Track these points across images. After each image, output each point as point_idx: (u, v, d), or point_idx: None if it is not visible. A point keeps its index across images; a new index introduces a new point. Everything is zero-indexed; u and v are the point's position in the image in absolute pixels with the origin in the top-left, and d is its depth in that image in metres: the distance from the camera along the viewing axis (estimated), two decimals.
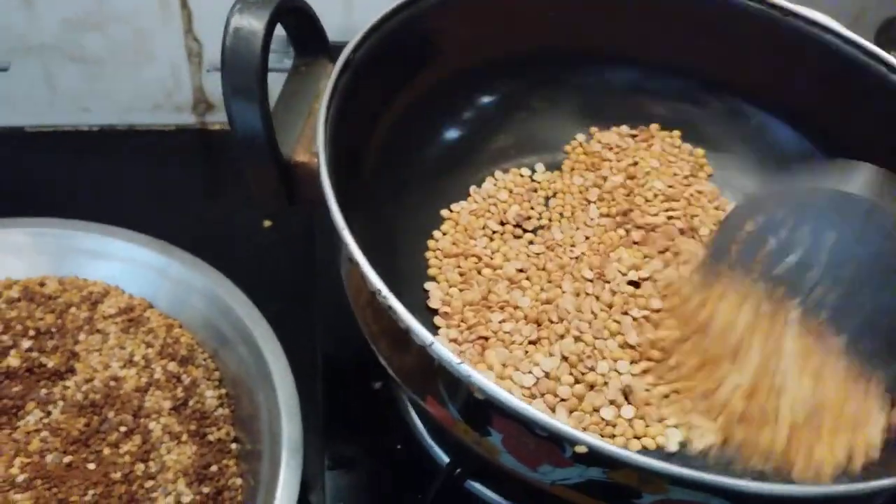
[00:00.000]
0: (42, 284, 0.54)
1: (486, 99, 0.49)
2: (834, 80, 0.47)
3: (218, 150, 0.70)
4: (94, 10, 0.61)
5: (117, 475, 0.46)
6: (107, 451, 0.47)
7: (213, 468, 0.47)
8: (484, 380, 0.29)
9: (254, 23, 0.35)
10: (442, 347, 0.29)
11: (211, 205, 0.65)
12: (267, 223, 0.62)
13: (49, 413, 0.48)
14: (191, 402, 0.50)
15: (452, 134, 0.49)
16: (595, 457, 0.28)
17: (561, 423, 0.28)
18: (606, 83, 0.50)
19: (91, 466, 0.46)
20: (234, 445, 0.49)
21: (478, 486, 0.43)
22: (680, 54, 0.49)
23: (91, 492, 0.45)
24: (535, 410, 0.28)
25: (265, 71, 0.36)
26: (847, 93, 0.47)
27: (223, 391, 0.51)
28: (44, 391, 0.49)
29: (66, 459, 0.46)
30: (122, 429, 0.48)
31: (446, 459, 0.44)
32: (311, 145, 0.39)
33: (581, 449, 0.28)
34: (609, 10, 0.48)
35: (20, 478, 0.45)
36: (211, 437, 0.49)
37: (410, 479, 0.44)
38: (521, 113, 0.50)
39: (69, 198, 0.62)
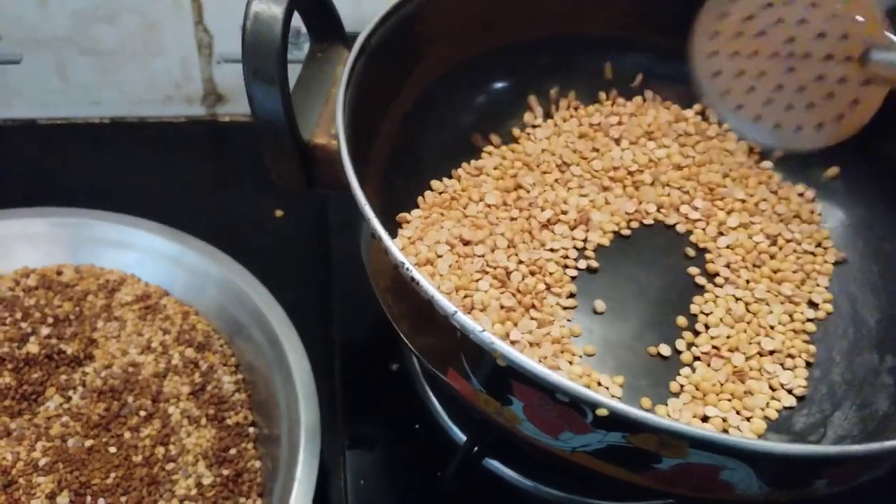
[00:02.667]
0: (59, 273, 0.55)
1: (498, 84, 0.50)
2: None
3: (228, 141, 0.70)
4: (104, 3, 0.62)
5: (138, 458, 0.47)
6: (127, 434, 0.48)
7: (232, 451, 0.48)
8: (506, 347, 0.29)
9: (273, 7, 0.36)
10: (464, 317, 0.30)
11: (222, 195, 0.65)
12: (279, 213, 0.63)
13: (69, 398, 0.49)
14: (208, 388, 0.50)
15: (466, 119, 0.49)
16: (616, 420, 0.29)
17: (582, 387, 0.28)
18: (616, 68, 0.51)
19: (112, 450, 0.47)
20: (251, 429, 0.49)
21: (495, 464, 0.44)
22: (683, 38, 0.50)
23: (113, 474, 0.46)
24: (557, 376, 0.29)
25: (285, 55, 0.37)
26: None
27: (240, 376, 0.52)
28: (63, 377, 0.50)
29: (88, 443, 0.47)
30: (142, 413, 0.48)
31: (464, 438, 0.45)
32: (330, 128, 0.40)
33: (602, 412, 0.29)
34: None
35: (42, 461, 0.46)
36: (229, 421, 0.49)
37: (429, 458, 0.44)
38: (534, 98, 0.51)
39: (82, 189, 0.63)
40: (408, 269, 0.31)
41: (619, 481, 0.33)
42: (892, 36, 0.42)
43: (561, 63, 0.50)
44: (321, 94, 0.41)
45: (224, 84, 0.68)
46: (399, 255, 0.32)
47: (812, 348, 0.44)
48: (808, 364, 0.43)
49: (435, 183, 0.47)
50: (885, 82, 0.42)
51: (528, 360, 0.29)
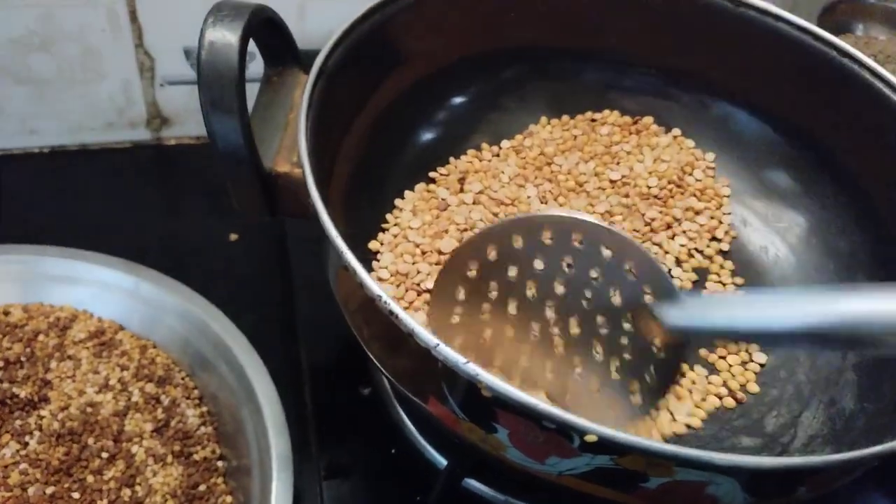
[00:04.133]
0: (6, 313, 0.53)
1: (457, 99, 0.50)
2: (788, 67, 0.49)
3: (176, 165, 0.68)
4: (39, 30, 0.60)
5: (104, 502, 0.45)
6: (90, 478, 0.46)
7: (202, 487, 0.47)
8: (492, 378, 0.29)
9: (228, 35, 0.35)
10: (448, 349, 0.30)
11: (173, 221, 0.63)
12: (233, 236, 0.62)
13: (26, 444, 0.47)
14: (172, 423, 0.49)
15: (427, 135, 0.49)
16: (604, 445, 0.29)
17: (570, 414, 0.28)
18: (576, 81, 0.51)
19: (75, 496, 0.45)
20: (220, 463, 0.48)
21: (475, 484, 0.44)
22: (647, 50, 0.50)
23: None
24: (544, 404, 0.29)
25: (243, 84, 0.36)
26: (801, 79, 0.49)
27: (204, 409, 0.50)
28: (18, 422, 0.48)
29: (49, 490, 0.45)
30: (104, 455, 0.47)
31: (441, 460, 0.44)
32: (291, 155, 0.39)
33: (591, 438, 0.29)
34: (575, 7, 0.49)
35: None
36: (196, 457, 0.48)
37: (408, 483, 0.44)
38: (493, 112, 0.51)
39: (23, 223, 0.60)
40: (385, 302, 0.31)
41: (606, 501, 0.34)
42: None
43: (519, 76, 0.50)
44: (279, 119, 0.40)
45: (168, 107, 0.66)
46: (376, 288, 0.31)
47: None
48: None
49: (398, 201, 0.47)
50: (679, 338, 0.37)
51: (515, 391, 0.29)
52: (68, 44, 0.61)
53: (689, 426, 0.41)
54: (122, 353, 0.52)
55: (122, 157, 0.67)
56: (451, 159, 0.50)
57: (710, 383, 0.44)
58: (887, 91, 0.46)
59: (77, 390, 0.50)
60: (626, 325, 0.37)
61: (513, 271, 0.37)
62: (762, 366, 0.45)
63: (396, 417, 0.46)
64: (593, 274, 0.37)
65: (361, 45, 0.42)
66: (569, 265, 0.37)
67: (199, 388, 0.51)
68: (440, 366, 0.31)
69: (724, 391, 0.44)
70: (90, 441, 0.47)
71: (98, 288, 0.54)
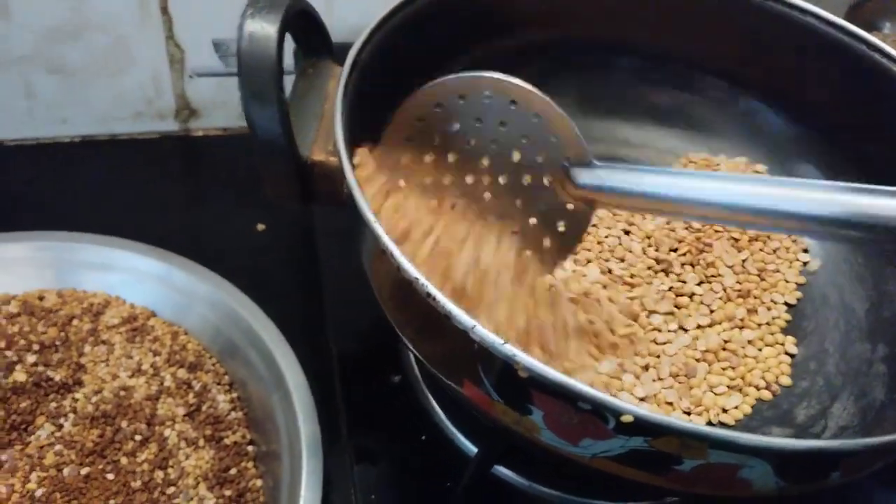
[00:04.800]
0: (41, 298, 0.54)
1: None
2: (817, 62, 0.49)
3: (203, 156, 0.69)
4: (71, 20, 0.61)
5: (137, 483, 0.46)
6: (124, 460, 0.47)
7: (233, 471, 0.47)
8: (529, 359, 0.29)
9: (267, 27, 0.36)
10: (485, 330, 0.30)
11: (201, 212, 0.64)
12: (260, 226, 0.62)
13: (61, 426, 0.48)
14: (203, 408, 0.50)
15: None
16: (639, 426, 0.29)
17: (607, 395, 0.29)
18: (606, 73, 0.52)
19: (110, 477, 0.46)
20: (250, 448, 0.49)
21: (504, 471, 0.44)
22: (678, 43, 0.51)
23: (112, 501, 0.45)
24: (581, 384, 0.29)
25: (281, 74, 0.36)
26: (828, 73, 0.49)
27: (234, 395, 0.51)
28: (53, 405, 0.49)
29: (84, 471, 0.46)
30: (138, 437, 0.48)
31: (471, 447, 0.45)
32: (326, 144, 0.40)
33: (627, 419, 0.29)
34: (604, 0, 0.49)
35: (39, 492, 0.45)
36: (227, 441, 0.49)
37: (438, 469, 0.44)
38: None
39: (54, 211, 0.61)
40: (423, 284, 0.31)
41: (636, 485, 0.34)
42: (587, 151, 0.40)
43: (548, 67, 0.50)
44: (315, 110, 0.41)
45: (197, 98, 0.67)
46: (413, 271, 0.32)
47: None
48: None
49: None
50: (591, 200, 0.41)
51: (552, 371, 0.29)
52: (99, 34, 0.61)
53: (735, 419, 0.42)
54: (154, 338, 0.53)
55: (151, 148, 0.68)
56: None
57: (750, 374, 0.44)
58: None
59: (110, 374, 0.50)
60: (546, 182, 0.41)
61: (455, 126, 0.41)
62: (792, 356, 0.45)
63: (426, 404, 0.47)
64: (522, 134, 0.40)
65: (392, 37, 0.42)
66: (502, 123, 0.40)
67: (230, 375, 0.52)
68: (476, 347, 0.31)
69: (762, 383, 0.44)
70: (123, 424, 0.48)
71: (130, 275, 0.55)
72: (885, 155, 0.47)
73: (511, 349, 0.30)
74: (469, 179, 0.41)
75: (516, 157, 0.40)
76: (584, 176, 0.40)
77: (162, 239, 0.55)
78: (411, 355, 0.48)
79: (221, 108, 0.68)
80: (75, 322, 0.53)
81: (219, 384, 0.51)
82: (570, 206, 0.41)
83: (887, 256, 0.47)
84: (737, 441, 0.29)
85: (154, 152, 0.68)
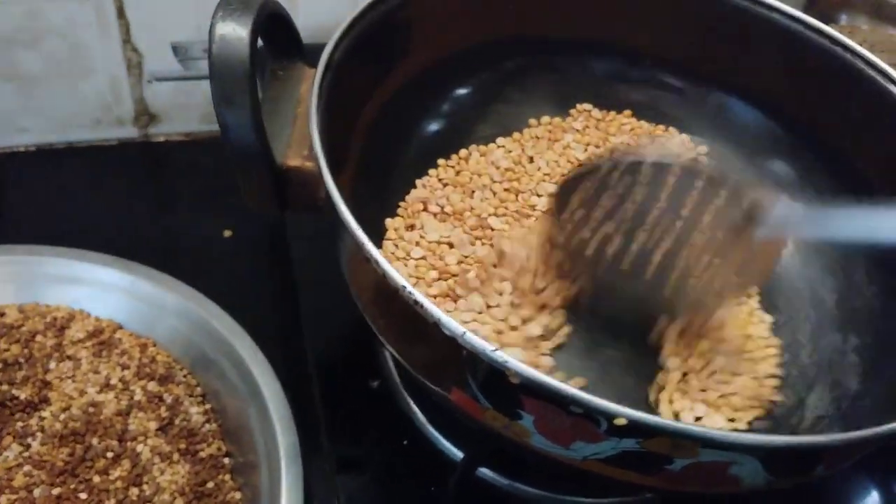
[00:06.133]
0: (1, 314, 0.52)
1: (462, 90, 0.50)
2: (781, 56, 0.50)
3: (165, 162, 0.68)
4: (25, 26, 0.59)
5: (111, 502, 0.45)
6: (97, 478, 0.46)
7: (210, 485, 0.46)
8: (521, 365, 0.29)
9: (238, 29, 0.35)
10: (475, 337, 0.30)
11: (164, 219, 0.63)
12: (227, 233, 0.61)
13: (28, 446, 0.47)
14: (176, 421, 0.49)
15: (433, 126, 0.49)
16: (632, 428, 0.29)
17: (600, 399, 0.29)
18: (581, 71, 0.52)
19: (83, 496, 0.45)
20: (226, 460, 0.48)
21: (487, 473, 0.44)
22: (648, 40, 0.51)
23: None
24: (574, 389, 0.29)
25: (254, 78, 0.36)
26: (793, 67, 0.50)
27: (208, 406, 0.50)
28: (20, 424, 0.47)
29: (56, 491, 0.45)
30: (109, 454, 0.46)
31: (454, 450, 0.44)
32: (301, 150, 0.39)
33: (621, 421, 0.29)
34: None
35: None
36: (202, 454, 0.48)
37: (421, 474, 0.44)
38: (498, 104, 0.51)
39: (12, 223, 0.59)
40: (410, 292, 0.31)
41: (625, 484, 0.34)
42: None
43: (523, 66, 0.50)
44: (287, 114, 0.40)
45: (156, 103, 0.66)
46: (399, 279, 0.31)
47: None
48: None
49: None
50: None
51: (545, 377, 0.29)
52: (55, 40, 0.60)
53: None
54: (122, 352, 0.51)
55: (110, 155, 0.66)
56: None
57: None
58: (879, 78, 0.47)
59: (78, 390, 0.49)
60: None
61: (614, 200, 0.41)
62: None
63: (407, 409, 0.46)
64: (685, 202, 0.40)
65: (365, 37, 0.41)
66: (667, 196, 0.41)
67: (202, 386, 0.51)
68: (465, 354, 0.31)
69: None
70: (94, 441, 0.47)
71: (94, 287, 0.53)
72: (853, 148, 0.48)
73: (502, 355, 0.29)
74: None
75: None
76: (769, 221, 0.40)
77: (125, 249, 0.54)
78: (390, 360, 0.48)
79: (181, 112, 0.67)
80: (39, 338, 0.51)
81: (191, 396, 0.50)
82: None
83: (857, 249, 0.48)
84: (728, 440, 0.29)
85: (114, 160, 0.66)
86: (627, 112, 0.54)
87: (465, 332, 0.30)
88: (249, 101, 0.35)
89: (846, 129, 0.48)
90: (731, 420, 0.42)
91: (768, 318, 0.47)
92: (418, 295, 0.31)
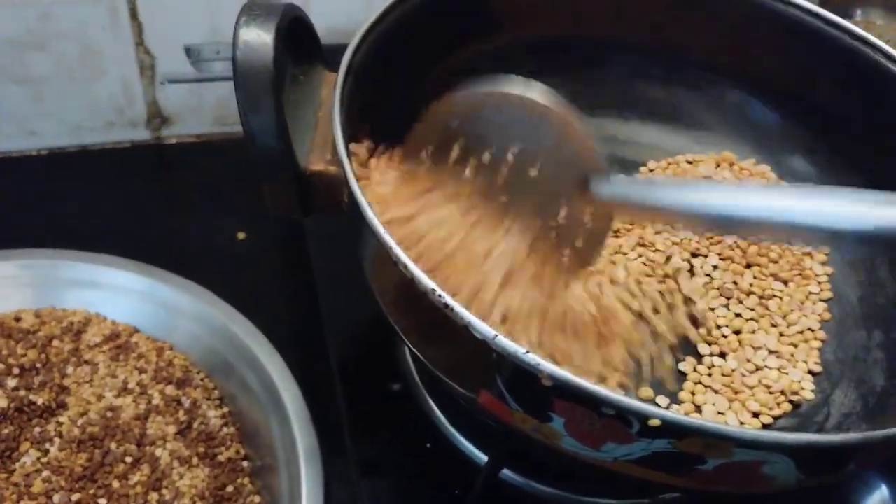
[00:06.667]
0: (17, 319, 0.52)
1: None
2: (798, 52, 0.50)
3: (177, 164, 0.67)
4: (37, 29, 0.59)
5: None
6: (116, 483, 0.45)
7: (230, 489, 0.46)
8: (554, 367, 0.29)
9: (262, 35, 0.35)
10: (507, 340, 0.29)
11: (178, 221, 0.62)
12: (241, 234, 0.61)
13: (46, 451, 0.46)
14: (195, 425, 0.49)
15: None
16: (665, 429, 0.29)
17: (633, 400, 0.29)
18: (594, 70, 0.51)
19: (102, 502, 0.45)
20: (245, 463, 0.48)
21: (506, 473, 0.44)
22: (665, 38, 0.51)
23: None
24: (607, 391, 0.29)
25: (279, 82, 0.35)
26: (809, 63, 0.50)
27: (226, 409, 0.50)
28: (37, 429, 0.47)
29: (75, 497, 0.44)
30: (128, 459, 0.46)
31: (477, 452, 0.44)
32: (324, 154, 0.39)
33: (654, 423, 0.29)
34: None
35: None
36: (221, 458, 0.47)
37: (444, 477, 0.44)
38: None
39: (26, 227, 0.59)
40: (439, 295, 0.31)
41: (654, 485, 0.34)
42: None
43: (542, 66, 0.50)
44: (308, 118, 0.40)
45: (169, 105, 0.65)
46: (428, 282, 0.31)
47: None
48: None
49: None
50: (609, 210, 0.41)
51: (578, 379, 0.29)
52: (67, 43, 0.60)
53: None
54: (139, 356, 0.51)
55: (123, 158, 0.66)
56: None
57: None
58: None
59: (95, 395, 0.49)
60: (563, 196, 0.40)
61: (472, 139, 0.40)
62: None
63: (429, 411, 0.46)
64: (541, 149, 0.40)
65: (383, 41, 0.41)
66: (521, 138, 0.40)
67: (219, 389, 0.51)
68: (495, 357, 0.31)
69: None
70: (112, 446, 0.47)
71: (110, 291, 0.53)
72: (873, 144, 0.48)
73: (535, 358, 0.29)
74: (485, 195, 0.40)
75: (533, 172, 0.40)
76: (603, 188, 0.39)
77: (140, 252, 0.54)
78: (411, 362, 0.48)
79: (194, 114, 0.67)
80: (55, 343, 0.51)
81: (209, 399, 0.50)
82: (587, 222, 0.40)
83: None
84: (764, 439, 0.29)
85: (127, 162, 0.66)
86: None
87: (496, 335, 0.30)
88: (274, 106, 0.35)
89: (864, 125, 0.48)
90: (756, 415, 0.42)
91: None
92: (448, 298, 0.30)
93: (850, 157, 0.49)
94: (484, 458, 0.44)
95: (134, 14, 0.59)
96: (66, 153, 0.65)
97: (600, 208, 0.40)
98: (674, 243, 0.49)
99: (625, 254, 0.49)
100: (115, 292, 0.53)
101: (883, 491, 0.44)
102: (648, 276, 0.47)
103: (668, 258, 0.49)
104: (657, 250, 0.49)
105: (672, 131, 0.54)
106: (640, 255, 0.49)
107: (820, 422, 0.41)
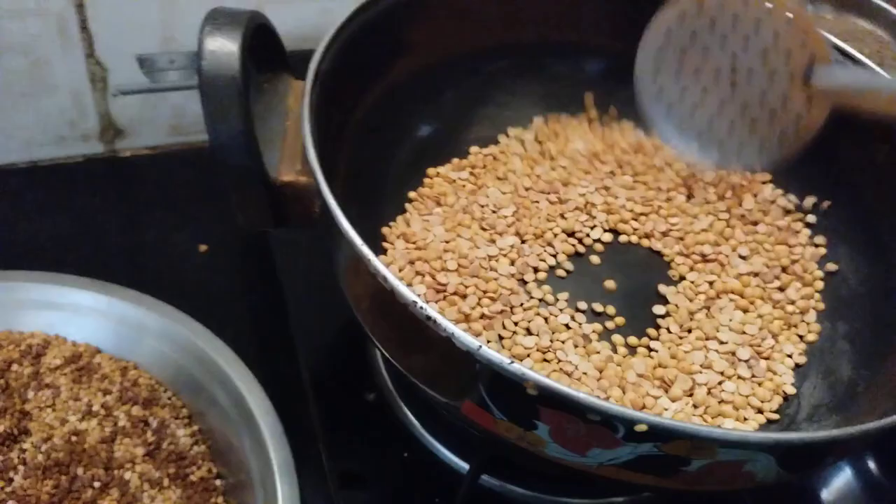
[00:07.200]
0: None
1: (450, 94, 0.49)
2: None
3: (133, 177, 0.66)
4: None
5: None
6: None
7: None
8: (538, 375, 0.29)
9: (228, 44, 0.34)
10: (492, 351, 0.29)
11: (137, 236, 0.61)
12: (203, 247, 0.60)
13: (11, 480, 0.45)
14: (164, 445, 0.47)
15: (423, 132, 0.49)
16: (651, 433, 0.29)
17: (620, 406, 0.29)
18: (569, 73, 0.52)
19: None
20: (217, 482, 0.47)
21: (486, 479, 0.44)
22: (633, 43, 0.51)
23: None
24: (593, 398, 0.29)
25: (246, 93, 0.35)
26: None
27: (195, 427, 0.49)
28: None
29: None
30: (97, 484, 0.45)
31: (456, 460, 0.44)
32: (294, 164, 0.38)
33: (641, 427, 0.29)
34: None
35: None
36: (193, 478, 0.47)
37: (424, 486, 0.44)
38: (488, 107, 0.50)
39: None
40: (421, 307, 0.30)
41: (636, 486, 0.34)
42: (833, 52, 0.44)
43: (511, 70, 0.50)
44: (277, 128, 0.39)
45: (122, 117, 0.64)
46: (409, 294, 0.31)
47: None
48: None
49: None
50: (827, 100, 0.43)
51: (563, 387, 0.29)
52: (15, 56, 0.58)
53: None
54: (103, 376, 0.50)
55: (77, 173, 0.64)
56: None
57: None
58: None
59: (59, 419, 0.47)
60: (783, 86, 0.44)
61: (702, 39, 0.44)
62: None
63: (405, 421, 0.46)
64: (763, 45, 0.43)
65: (351, 46, 0.41)
66: (746, 37, 0.44)
67: (187, 407, 0.50)
68: (478, 367, 0.30)
69: None
70: (79, 471, 0.45)
71: (69, 311, 0.52)
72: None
73: (519, 367, 0.29)
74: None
75: (757, 62, 0.43)
76: (825, 76, 0.42)
77: (98, 269, 0.52)
78: (384, 371, 0.47)
79: (148, 125, 0.65)
80: (14, 367, 0.49)
81: (177, 418, 0.49)
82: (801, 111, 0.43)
83: (839, 235, 0.49)
84: (748, 440, 0.29)
85: (80, 177, 0.64)
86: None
87: (480, 346, 0.29)
88: (243, 117, 0.34)
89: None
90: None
91: None
92: (430, 310, 0.30)
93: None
94: (462, 465, 0.44)
95: (84, 25, 0.58)
96: (16, 169, 0.63)
97: (818, 98, 0.42)
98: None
99: None
100: (75, 312, 0.52)
101: (847, 473, 0.45)
102: None
103: None
104: None
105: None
106: None
107: (791, 414, 0.42)
